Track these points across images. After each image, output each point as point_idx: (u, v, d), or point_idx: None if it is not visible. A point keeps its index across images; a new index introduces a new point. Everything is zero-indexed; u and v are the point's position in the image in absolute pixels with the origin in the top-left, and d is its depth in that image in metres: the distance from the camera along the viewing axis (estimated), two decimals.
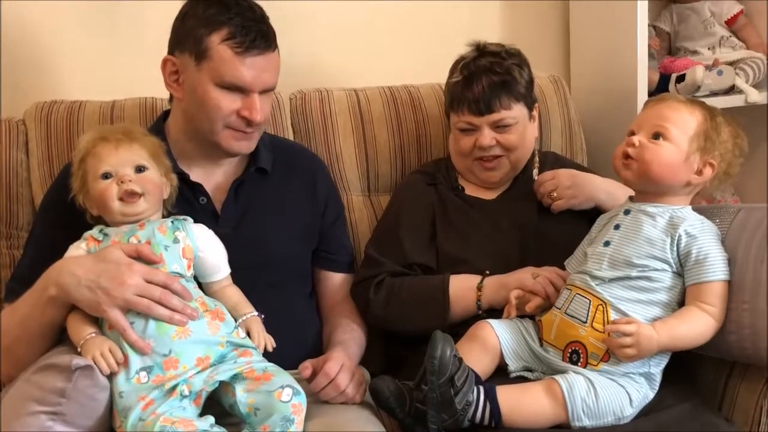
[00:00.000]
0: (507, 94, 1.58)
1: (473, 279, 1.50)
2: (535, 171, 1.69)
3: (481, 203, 1.65)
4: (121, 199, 1.27)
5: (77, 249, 1.28)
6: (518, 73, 1.60)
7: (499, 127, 1.59)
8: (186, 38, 1.41)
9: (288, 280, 1.51)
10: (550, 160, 1.76)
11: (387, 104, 1.87)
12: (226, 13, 1.38)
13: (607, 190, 1.58)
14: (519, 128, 1.60)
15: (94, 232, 1.29)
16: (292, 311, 1.49)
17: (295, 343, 1.38)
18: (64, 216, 1.34)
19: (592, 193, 1.58)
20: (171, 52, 1.44)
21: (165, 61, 1.44)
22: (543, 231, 1.59)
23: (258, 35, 1.39)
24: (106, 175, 1.28)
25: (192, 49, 1.39)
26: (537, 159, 1.71)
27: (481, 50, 1.64)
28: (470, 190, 1.68)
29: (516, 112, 1.59)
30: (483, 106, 1.57)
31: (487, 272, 1.50)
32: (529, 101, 1.64)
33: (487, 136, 1.58)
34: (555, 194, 1.58)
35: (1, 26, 1.84)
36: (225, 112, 1.40)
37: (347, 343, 1.45)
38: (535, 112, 1.67)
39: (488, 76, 1.58)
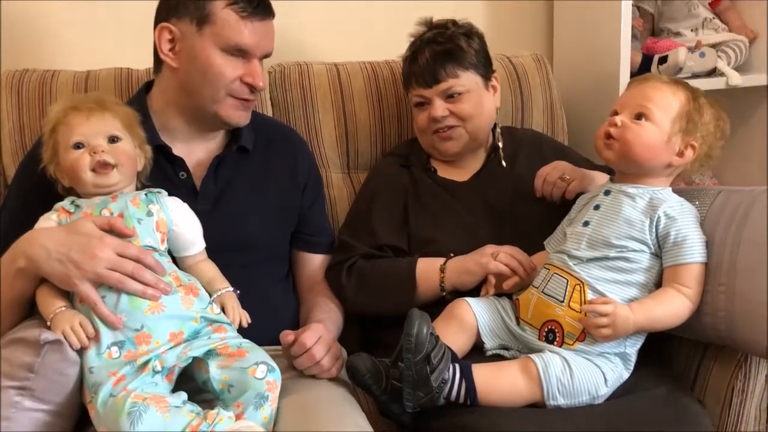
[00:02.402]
0: (452, 62, 1.57)
1: (438, 261, 1.49)
2: (499, 147, 1.67)
3: (453, 185, 1.64)
4: (93, 170, 1.24)
5: (47, 220, 1.25)
6: (465, 42, 1.59)
7: (450, 96, 1.58)
8: (185, 4, 1.38)
9: (265, 260, 1.50)
10: (528, 138, 1.75)
11: (368, 79, 1.85)
12: None
13: (598, 180, 1.55)
14: (472, 97, 1.59)
15: (66, 203, 1.26)
16: (268, 291, 1.48)
17: (271, 324, 1.36)
18: (38, 187, 1.31)
19: (592, 179, 1.55)
20: (166, 19, 1.41)
21: (161, 29, 1.41)
22: (517, 212, 1.58)
23: (260, 2, 1.40)
24: (78, 145, 1.25)
25: (193, 15, 1.38)
26: (499, 132, 1.69)
27: (428, 25, 1.65)
28: (443, 172, 1.67)
29: (465, 80, 1.58)
30: (429, 77, 1.58)
31: (452, 255, 1.49)
32: (483, 70, 1.62)
33: (439, 107, 1.58)
34: (567, 176, 1.53)
35: None
36: (228, 78, 1.39)
37: (325, 322, 1.44)
38: (494, 83, 1.66)
39: (431, 47, 1.59)
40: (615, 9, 1.91)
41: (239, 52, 1.40)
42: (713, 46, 2.04)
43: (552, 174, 1.54)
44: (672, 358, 1.46)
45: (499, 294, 1.44)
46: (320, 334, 1.31)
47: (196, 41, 1.38)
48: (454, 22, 1.64)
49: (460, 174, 1.66)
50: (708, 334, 1.34)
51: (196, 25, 1.38)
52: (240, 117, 1.45)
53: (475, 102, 1.59)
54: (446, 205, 1.61)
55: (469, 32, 1.63)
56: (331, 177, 1.82)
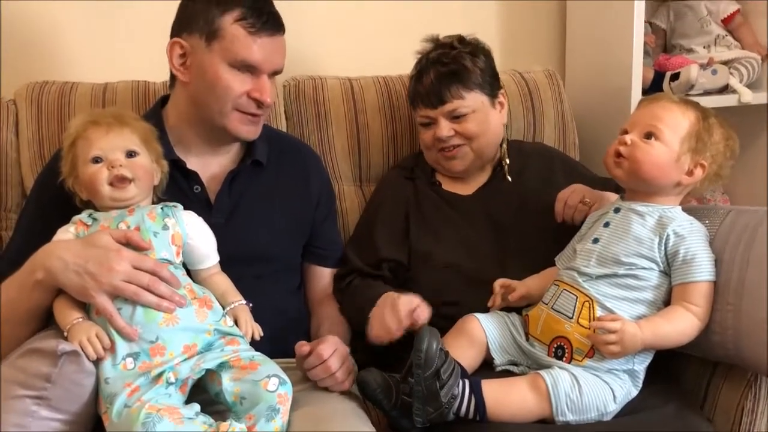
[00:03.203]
0: (457, 83, 1.57)
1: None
2: (505, 163, 1.67)
3: (457, 199, 1.65)
4: (111, 184, 1.26)
5: (65, 233, 1.27)
6: (470, 61, 1.59)
7: (455, 117, 1.58)
8: (196, 19, 1.40)
9: (277, 272, 1.51)
10: (537, 151, 1.75)
11: (380, 93, 1.87)
12: None
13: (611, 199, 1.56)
14: (478, 116, 1.59)
15: (83, 216, 1.28)
16: (280, 303, 1.49)
17: (282, 336, 1.38)
18: (56, 199, 1.33)
19: (609, 200, 1.52)
20: (178, 34, 1.43)
21: (173, 44, 1.43)
22: (521, 227, 1.58)
23: (269, 17, 1.42)
24: (96, 160, 1.27)
25: (203, 30, 1.40)
26: (505, 148, 1.68)
27: (434, 43, 1.64)
28: (447, 186, 1.67)
29: (470, 101, 1.58)
30: (434, 98, 1.57)
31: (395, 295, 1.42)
32: (488, 89, 1.61)
33: (444, 128, 1.58)
34: (588, 199, 1.52)
35: None
36: (236, 93, 1.41)
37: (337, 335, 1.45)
38: (501, 99, 1.65)
39: (436, 67, 1.58)
40: (627, 25, 1.91)
41: (247, 68, 1.41)
42: (725, 63, 2.05)
43: (572, 198, 1.53)
44: (681, 376, 1.46)
45: (509, 309, 1.44)
46: (336, 346, 1.33)
47: (205, 56, 1.40)
48: (460, 40, 1.63)
49: (465, 188, 1.67)
50: (717, 353, 1.34)
51: (206, 41, 1.40)
52: (248, 131, 1.47)
53: (481, 121, 1.59)
54: (447, 218, 1.61)
55: (475, 50, 1.62)
56: (343, 189, 1.83)
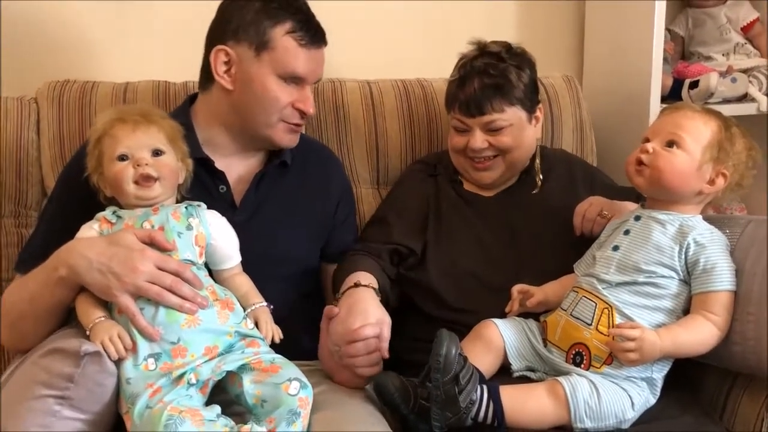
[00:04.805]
0: (500, 97, 1.54)
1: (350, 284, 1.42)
2: (538, 178, 1.66)
3: (477, 200, 1.64)
4: (136, 183, 1.26)
5: (89, 230, 1.27)
6: (515, 75, 1.56)
7: (491, 129, 1.56)
8: (245, 29, 1.41)
9: (297, 273, 1.52)
10: (559, 158, 1.74)
11: (399, 97, 1.87)
12: (288, 8, 1.42)
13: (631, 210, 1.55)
14: (513, 131, 1.57)
15: (108, 213, 1.28)
16: (299, 305, 1.49)
17: (301, 337, 1.38)
18: (78, 195, 1.34)
19: (627, 209, 1.52)
20: (222, 41, 1.43)
21: (218, 51, 1.43)
22: (539, 236, 1.57)
23: (317, 30, 1.44)
24: (123, 157, 1.27)
25: (253, 40, 1.41)
26: (539, 162, 1.66)
27: (481, 49, 1.61)
28: (468, 185, 1.66)
29: (509, 115, 1.56)
30: (474, 107, 1.55)
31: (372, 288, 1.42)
32: (528, 104, 1.59)
33: (478, 139, 1.56)
34: (606, 212, 1.51)
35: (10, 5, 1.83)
36: (282, 104, 1.43)
37: None
38: (538, 114, 1.63)
39: (481, 78, 1.55)
40: (647, 31, 1.91)
41: (293, 79, 1.43)
42: (745, 71, 2.04)
43: (590, 211, 1.52)
44: (700, 386, 1.46)
45: (526, 315, 1.44)
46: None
47: (254, 66, 1.41)
48: (508, 49, 1.60)
49: (487, 189, 1.66)
50: (737, 364, 1.34)
51: (255, 51, 1.41)
52: (290, 140, 1.49)
53: (516, 135, 1.57)
54: (465, 219, 1.60)
55: (521, 63, 1.58)
56: (361, 192, 1.83)
